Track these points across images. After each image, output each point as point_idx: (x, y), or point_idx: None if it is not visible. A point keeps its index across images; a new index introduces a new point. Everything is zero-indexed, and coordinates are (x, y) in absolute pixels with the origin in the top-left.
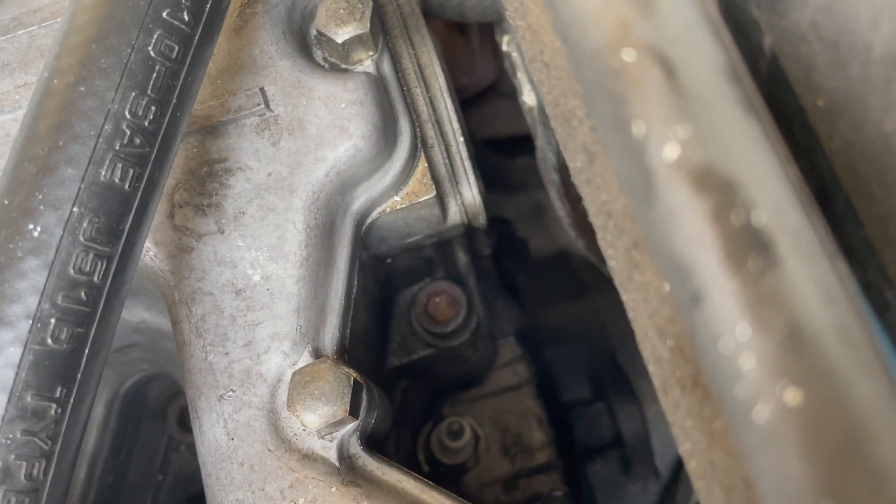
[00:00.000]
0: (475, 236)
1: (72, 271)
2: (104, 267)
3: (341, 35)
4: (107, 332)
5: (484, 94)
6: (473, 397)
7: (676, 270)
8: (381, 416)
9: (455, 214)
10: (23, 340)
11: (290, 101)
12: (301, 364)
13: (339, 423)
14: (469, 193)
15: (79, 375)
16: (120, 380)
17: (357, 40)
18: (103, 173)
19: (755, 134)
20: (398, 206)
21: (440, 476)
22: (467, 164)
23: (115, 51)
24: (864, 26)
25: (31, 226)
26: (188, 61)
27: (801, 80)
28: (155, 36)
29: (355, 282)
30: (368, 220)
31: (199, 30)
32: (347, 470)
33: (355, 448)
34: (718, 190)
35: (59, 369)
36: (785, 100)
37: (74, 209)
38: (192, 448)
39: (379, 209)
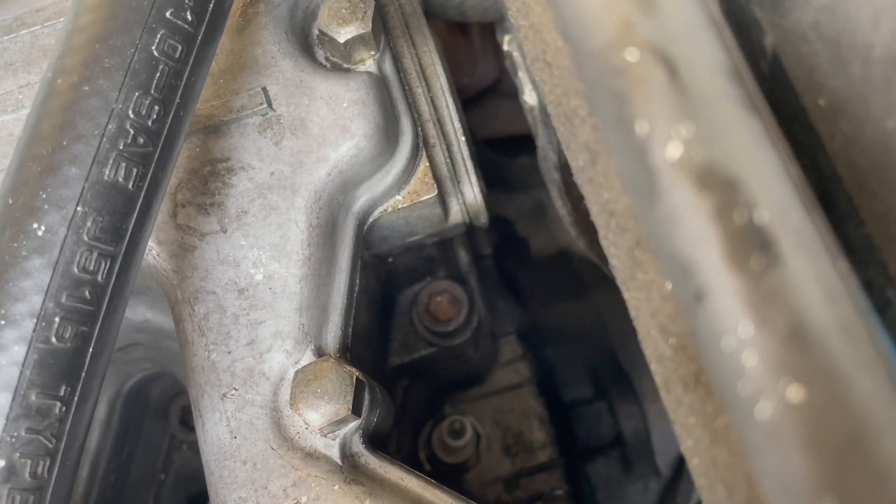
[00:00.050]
0: (476, 235)
1: (76, 270)
2: (108, 266)
3: (343, 35)
4: (111, 330)
5: (485, 93)
6: (475, 396)
7: (679, 269)
8: (383, 415)
9: (457, 214)
10: (27, 339)
11: (292, 101)
12: (303, 363)
13: (342, 422)
14: (471, 192)
15: (83, 374)
16: (122, 379)
17: (359, 40)
18: (107, 173)
19: (757, 133)
20: (400, 206)
21: (441, 475)
22: (469, 163)
23: (118, 50)
24: (864, 26)
25: (35, 225)
26: (191, 61)
27: (802, 80)
28: (158, 36)
29: (357, 281)
30: (370, 220)
31: (203, 29)
32: (350, 468)
33: (358, 446)
34: (721, 189)
35: (64, 368)
36: (786, 99)
37: (78, 208)
38: (193, 447)
39: (381, 208)
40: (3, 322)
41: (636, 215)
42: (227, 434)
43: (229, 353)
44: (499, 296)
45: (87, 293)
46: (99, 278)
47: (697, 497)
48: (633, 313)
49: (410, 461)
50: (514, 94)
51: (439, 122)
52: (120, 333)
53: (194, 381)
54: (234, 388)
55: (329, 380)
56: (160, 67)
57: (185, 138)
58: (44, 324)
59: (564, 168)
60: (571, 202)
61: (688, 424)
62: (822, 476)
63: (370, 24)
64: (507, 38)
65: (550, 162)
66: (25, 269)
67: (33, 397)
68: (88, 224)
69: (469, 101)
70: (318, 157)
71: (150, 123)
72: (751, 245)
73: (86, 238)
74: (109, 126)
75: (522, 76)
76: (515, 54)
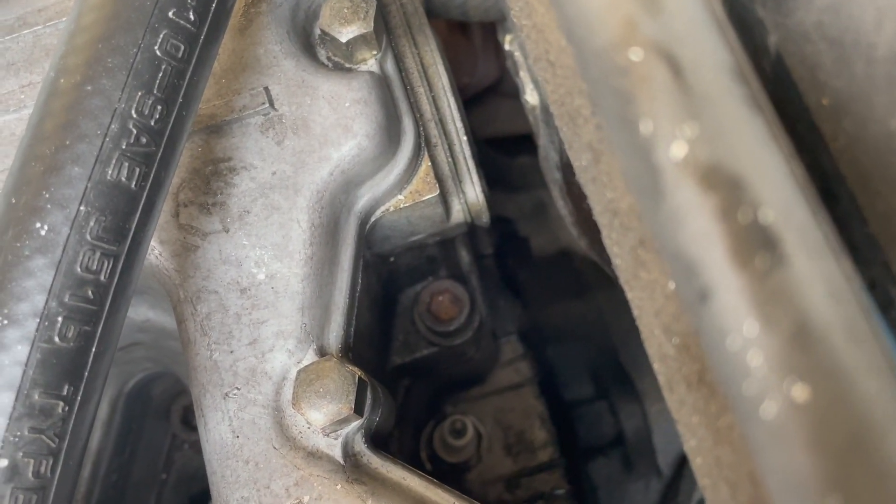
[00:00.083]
0: (477, 235)
1: (79, 270)
2: (111, 265)
3: (345, 34)
4: (113, 330)
5: (485, 93)
6: (476, 396)
7: (684, 268)
8: (384, 415)
9: (458, 213)
10: (30, 339)
11: (294, 101)
12: (306, 362)
13: (344, 421)
14: (472, 192)
15: (86, 373)
16: (124, 378)
17: (361, 39)
18: (110, 172)
19: (762, 132)
20: (402, 205)
21: (443, 474)
22: (470, 162)
23: (121, 50)
24: (868, 26)
25: (38, 224)
26: (194, 60)
27: (805, 79)
28: (161, 35)
29: (359, 280)
30: (372, 219)
31: (205, 29)
32: (352, 467)
33: (360, 446)
34: (725, 188)
35: (67, 367)
36: (789, 98)
37: (81, 208)
38: (195, 446)
39: (383, 208)
40: (6, 322)
41: (640, 214)
42: (229, 433)
43: (231, 352)
44: (500, 295)
45: (89, 293)
46: (102, 278)
47: (698, 497)
48: (636, 313)
49: (412, 461)
50: (514, 93)
51: (441, 122)
52: (122, 333)
53: (196, 380)
54: (237, 388)
55: (331, 379)
56: (163, 67)
57: (187, 138)
58: (47, 323)
59: (566, 167)
60: (573, 202)
61: (691, 424)
62: (826, 475)
63: (372, 24)
64: (508, 37)
65: (552, 161)
66: (28, 268)
67: (36, 397)
68: (91, 224)
69: (470, 101)
70: (321, 157)
71: (152, 123)
72: (756, 244)
73: (89, 237)
74: (112, 126)
75: (524, 76)
76: (517, 54)
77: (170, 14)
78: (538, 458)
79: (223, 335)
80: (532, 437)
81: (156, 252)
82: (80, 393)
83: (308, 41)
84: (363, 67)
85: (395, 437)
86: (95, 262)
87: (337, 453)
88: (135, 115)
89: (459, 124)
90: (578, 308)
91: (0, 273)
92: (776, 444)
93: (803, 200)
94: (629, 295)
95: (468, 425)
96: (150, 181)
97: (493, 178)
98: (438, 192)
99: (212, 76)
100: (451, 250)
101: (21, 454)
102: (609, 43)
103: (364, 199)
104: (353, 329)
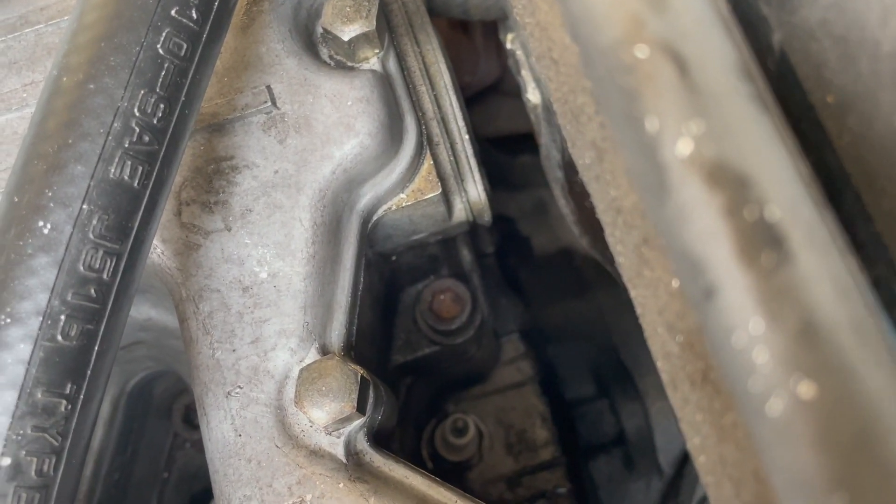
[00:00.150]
0: (479, 234)
1: (81, 268)
2: (113, 264)
3: (347, 33)
4: (116, 328)
5: (487, 91)
6: (477, 394)
7: (689, 265)
8: (387, 413)
9: (460, 212)
10: (33, 337)
11: (296, 99)
12: (308, 361)
13: (347, 420)
14: (474, 191)
15: (88, 372)
16: (126, 377)
17: (363, 38)
18: (112, 171)
19: (767, 130)
20: (404, 204)
21: (444, 473)
22: (472, 161)
23: (123, 48)
24: (873, 23)
25: (40, 223)
26: (196, 59)
27: (810, 77)
28: (164, 34)
29: (361, 279)
30: (374, 218)
31: (208, 27)
32: (354, 466)
33: (362, 444)
34: (732, 185)
35: (69, 366)
36: (794, 96)
37: (84, 206)
38: (197, 445)
39: (385, 207)
40: (9, 320)
41: (644, 212)
42: (231, 432)
43: (234, 351)
44: (501, 294)
45: (92, 291)
46: (104, 276)
47: (699, 495)
48: (639, 311)
49: (413, 459)
50: (516, 92)
51: (443, 121)
52: (124, 332)
53: (199, 379)
54: (239, 386)
55: (334, 378)
56: (165, 65)
57: (189, 136)
58: (49, 322)
59: (568, 166)
60: (574, 200)
61: (695, 422)
62: (833, 472)
63: (374, 23)
64: (510, 36)
65: (554, 160)
66: (31, 267)
67: (39, 395)
68: (94, 222)
69: (471, 100)
70: (323, 156)
71: (155, 121)
72: (762, 241)
73: (91, 236)
74: (115, 124)
75: (525, 74)
76: (518, 52)
77: (172, 12)
78: (539, 456)
79: (225, 334)
80: (533, 435)
81: (158, 251)
82: (83, 391)
83: (310, 39)
84: (365, 66)
85: (397, 435)
86: (98, 261)
87: (339, 452)
88: (137, 114)
89: (461, 123)
90: (579, 307)
91: (3, 271)
92: (782, 441)
93: (809, 198)
94: (632, 293)
95: (470, 424)
96: (152, 180)
97: (494, 177)
98: (440, 190)
99: (214, 74)
100: (452, 249)
101: (24, 452)
102: (614, 40)
103: (366, 197)
104: (355, 328)
